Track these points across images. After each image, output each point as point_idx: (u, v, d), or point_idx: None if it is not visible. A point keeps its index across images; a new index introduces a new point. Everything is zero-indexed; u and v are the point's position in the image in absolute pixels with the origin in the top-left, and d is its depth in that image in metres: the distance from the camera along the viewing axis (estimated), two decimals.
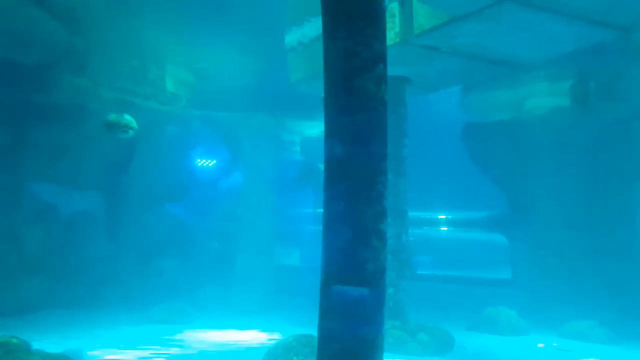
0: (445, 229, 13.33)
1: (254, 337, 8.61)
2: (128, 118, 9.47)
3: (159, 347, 7.63)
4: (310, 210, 13.50)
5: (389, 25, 7.00)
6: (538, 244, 10.14)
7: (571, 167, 9.59)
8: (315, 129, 12.85)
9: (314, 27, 7.94)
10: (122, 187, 11.76)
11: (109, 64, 11.07)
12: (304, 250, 13.76)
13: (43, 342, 7.30)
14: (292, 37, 8.55)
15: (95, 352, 7.01)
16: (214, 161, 12.98)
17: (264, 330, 9.12)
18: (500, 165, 10.79)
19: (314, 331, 3.23)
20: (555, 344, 8.13)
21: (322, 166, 3.39)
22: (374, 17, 3.45)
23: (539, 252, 10.09)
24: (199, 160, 13.01)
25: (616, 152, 9.11)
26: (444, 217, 13.13)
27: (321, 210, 3.30)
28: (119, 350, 7.24)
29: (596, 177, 9.33)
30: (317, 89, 3.41)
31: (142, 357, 6.95)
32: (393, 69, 8.07)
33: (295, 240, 13.63)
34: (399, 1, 7.08)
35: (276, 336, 8.29)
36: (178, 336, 8.47)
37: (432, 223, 13.20)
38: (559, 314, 9.09)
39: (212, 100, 11.79)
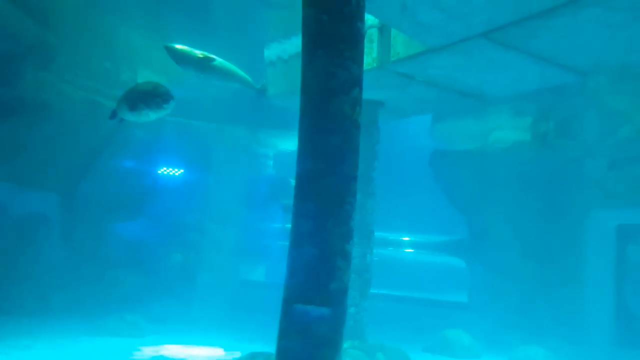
0: (409, 250, 13.55)
1: (211, 354, 8.39)
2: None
3: None
4: (279, 225, 13.42)
5: (367, 50, 7.18)
6: (494, 270, 10.49)
7: (529, 199, 10.03)
8: (289, 144, 12.86)
9: (294, 44, 8.05)
10: (82, 191, 11.33)
11: (79, 62, 10.75)
12: (270, 266, 13.61)
13: None
14: (271, 52, 8.62)
15: None
16: (182, 170, 12.74)
17: (222, 347, 8.91)
18: (463, 192, 11.15)
19: (273, 349, 3.22)
20: None
21: (294, 182, 3.42)
22: (353, 41, 3.57)
23: (494, 277, 10.44)
24: (166, 168, 12.74)
25: (569, 188, 9.62)
26: (408, 239, 13.34)
27: (290, 226, 3.32)
28: None
29: (551, 210, 9.80)
30: (294, 104, 3.47)
31: None
32: (368, 93, 8.25)
33: (263, 255, 13.48)
34: (378, 27, 7.29)
35: (234, 354, 8.11)
36: (128, 351, 8.14)
37: (397, 244, 13.39)
38: (510, 338, 9.40)
39: (185, 108, 11.64)
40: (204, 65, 6.98)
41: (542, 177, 9.94)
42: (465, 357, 9.05)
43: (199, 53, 6.92)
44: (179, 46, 7.04)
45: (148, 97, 5.27)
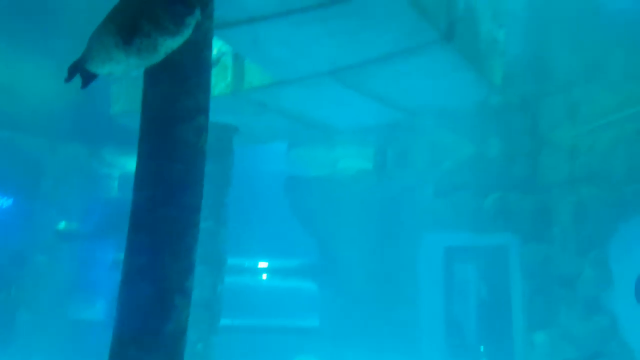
0: (265, 276, 13.58)
1: None
2: None
3: None
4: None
5: (221, 75, 7.24)
6: (342, 292, 11.10)
7: (372, 223, 10.94)
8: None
9: None
10: None
11: None
12: (110, 302, 12.32)
13: None
14: None
15: None
16: (3, 192, 10.98)
17: None
18: (314, 217, 11.71)
19: None
20: None
21: None
22: (199, 68, 3.55)
23: (342, 300, 11.04)
24: None
25: (405, 213, 10.75)
26: (264, 264, 13.38)
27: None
28: None
29: (390, 234, 10.80)
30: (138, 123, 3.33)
31: None
32: (222, 118, 8.31)
33: (102, 290, 12.15)
34: (232, 55, 7.40)
35: None
36: None
37: (252, 271, 13.33)
38: (356, 358, 9.94)
39: (10, 120, 10.15)
40: None
41: (382, 203, 10.95)
42: None
43: None
44: None
45: (159, 7, 2.48)
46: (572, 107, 9.38)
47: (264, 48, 5.96)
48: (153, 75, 3.47)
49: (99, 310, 12.16)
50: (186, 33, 2.61)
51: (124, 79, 8.04)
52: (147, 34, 2.50)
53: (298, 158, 12.08)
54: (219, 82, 7.23)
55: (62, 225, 10.23)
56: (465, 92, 7.35)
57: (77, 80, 2.98)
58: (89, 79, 2.97)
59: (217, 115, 5.98)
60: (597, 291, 8.74)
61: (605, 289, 8.72)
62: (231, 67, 7.43)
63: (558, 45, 9.30)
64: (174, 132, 3.36)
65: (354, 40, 5.74)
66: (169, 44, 2.61)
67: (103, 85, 8.25)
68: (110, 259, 11.26)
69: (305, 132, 9.01)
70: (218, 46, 6.92)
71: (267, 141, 9.90)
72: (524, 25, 8.88)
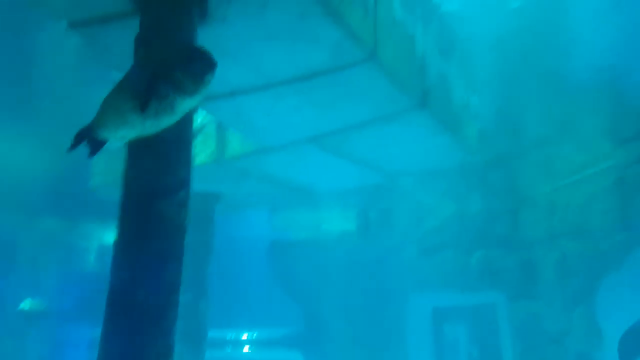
0: (247, 348, 12.95)
1: None
2: None
3: None
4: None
5: (204, 144, 7.33)
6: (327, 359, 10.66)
7: (357, 285, 10.76)
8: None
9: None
10: None
11: None
12: None
13: None
14: None
15: None
16: None
17: None
18: (298, 281, 11.47)
19: None
20: None
21: None
22: (181, 145, 3.58)
23: None
24: None
25: (391, 274, 10.63)
26: (247, 335, 12.81)
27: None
28: None
29: (377, 295, 10.61)
30: (118, 196, 3.28)
31: None
32: (205, 186, 8.30)
33: None
34: (216, 125, 7.54)
35: None
36: None
37: (234, 343, 12.73)
38: None
39: None
40: None
41: (368, 264, 10.83)
42: None
43: None
44: None
45: (176, 68, 2.39)
46: (548, 164, 9.71)
47: (246, 119, 6.12)
48: (135, 151, 3.49)
49: None
50: (204, 91, 2.51)
51: (103, 152, 8.01)
52: (164, 96, 2.43)
53: (281, 222, 12.02)
54: (202, 150, 7.30)
55: (26, 304, 9.60)
56: (442, 155, 7.59)
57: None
58: (97, 146, 2.85)
59: (200, 183, 5.98)
60: (588, 348, 8.63)
61: (595, 345, 8.60)
62: (214, 135, 7.53)
63: (530, 105, 9.78)
64: (155, 208, 3.34)
65: (333, 109, 5.95)
66: (187, 104, 2.53)
67: (78, 157, 8.19)
68: (84, 339, 10.68)
69: (288, 196, 9.05)
70: (202, 115, 7.05)
71: (250, 207, 9.89)
72: (497, 86, 9.37)
